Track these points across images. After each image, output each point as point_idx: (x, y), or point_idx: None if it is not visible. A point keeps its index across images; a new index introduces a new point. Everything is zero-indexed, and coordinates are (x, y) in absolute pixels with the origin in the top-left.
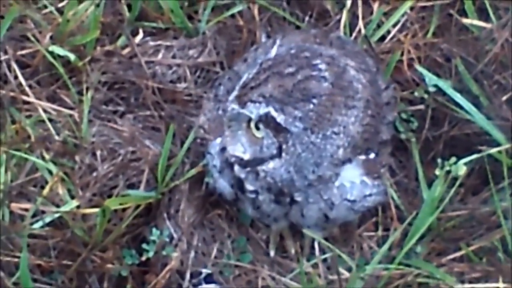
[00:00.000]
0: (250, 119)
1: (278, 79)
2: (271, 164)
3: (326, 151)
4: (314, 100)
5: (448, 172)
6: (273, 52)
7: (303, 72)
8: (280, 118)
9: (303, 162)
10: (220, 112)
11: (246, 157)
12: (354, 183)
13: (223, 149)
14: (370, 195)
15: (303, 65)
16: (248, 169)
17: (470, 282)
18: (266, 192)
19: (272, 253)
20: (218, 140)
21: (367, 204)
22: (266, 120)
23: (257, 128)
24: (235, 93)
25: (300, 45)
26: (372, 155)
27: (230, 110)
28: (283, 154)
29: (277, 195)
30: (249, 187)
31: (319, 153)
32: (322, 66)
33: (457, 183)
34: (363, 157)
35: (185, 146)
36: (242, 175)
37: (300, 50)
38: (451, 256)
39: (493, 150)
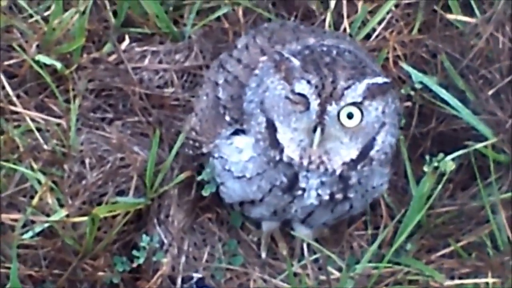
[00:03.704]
0: (338, 117)
1: (339, 60)
2: (380, 136)
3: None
4: None
5: (436, 168)
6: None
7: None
8: (380, 79)
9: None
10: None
11: (354, 154)
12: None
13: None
14: (381, 184)
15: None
16: (362, 163)
17: (460, 278)
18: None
19: (263, 254)
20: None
21: (377, 194)
22: (370, 92)
23: (350, 117)
24: (315, 104)
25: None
26: None
27: (330, 117)
28: (386, 120)
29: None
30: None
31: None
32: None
33: (444, 179)
34: None
35: (174, 151)
36: (353, 179)
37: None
38: (441, 253)
39: (479, 145)
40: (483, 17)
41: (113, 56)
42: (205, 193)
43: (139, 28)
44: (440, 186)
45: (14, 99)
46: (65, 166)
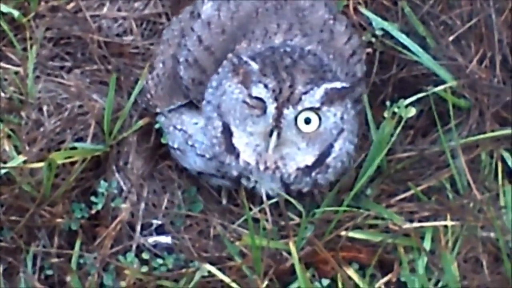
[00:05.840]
0: (295, 122)
1: (299, 63)
2: (338, 143)
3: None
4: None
5: (396, 113)
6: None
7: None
8: (339, 84)
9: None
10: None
11: (310, 160)
12: None
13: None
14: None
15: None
16: (317, 170)
17: (419, 221)
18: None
19: (224, 201)
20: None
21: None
22: (328, 97)
23: (307, 122)
24: (272, 107)
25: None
26: None
27: (287, 121)
28: (345, 126)
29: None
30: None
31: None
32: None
33: (402, 123)
34: None
35: (132, 97)
36: (303, 185)
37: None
38: (401, 197)
39: (439, 88)
40: None
41: (72, 4)
42: (164, 140)
43: None
44: (398, 131)
45: None
46: (23, 114)
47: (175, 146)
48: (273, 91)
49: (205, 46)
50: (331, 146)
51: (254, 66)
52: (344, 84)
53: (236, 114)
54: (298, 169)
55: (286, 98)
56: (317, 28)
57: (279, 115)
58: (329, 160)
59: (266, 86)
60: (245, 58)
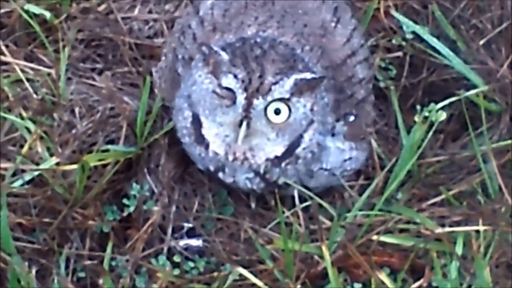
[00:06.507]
0: (265, 112)
1: (269, 54)
2: (308, 134)
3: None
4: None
5: (427, 118)
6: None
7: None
8: (309, 74)
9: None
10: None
11: (280, 151)
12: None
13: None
14: (350, 158)
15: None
16: (286, 161)
17: (451, 226)
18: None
19: (253, 205)
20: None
21: (349, 168)
22: (298, 88)
23: (277, 113)
24: (242, 97)
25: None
26: (351, 118)
27: (256, 112)
28: (315, 117)
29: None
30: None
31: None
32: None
33: (434, 127)
34: (341, 122)
35: (159, 99)
36: (275, 176)
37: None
38: (432, 201)
39: (470, 93)
40: None
41: (103, 6)
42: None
43: None
44: (430, 135)
45: (4, 49)
46: (55, 115)
47: (182, 140)
48: (243, 81)
49: (199, 44)
50: (300, 137)
51: (224, 56)
52: (314, 75)
53: (205, 104)
54: (267, 159)
55: (256, 88)
56: (300, 23)
57: (248, 106)
58: (298, 150)
59: (235, 76)
60: (215, 48)
